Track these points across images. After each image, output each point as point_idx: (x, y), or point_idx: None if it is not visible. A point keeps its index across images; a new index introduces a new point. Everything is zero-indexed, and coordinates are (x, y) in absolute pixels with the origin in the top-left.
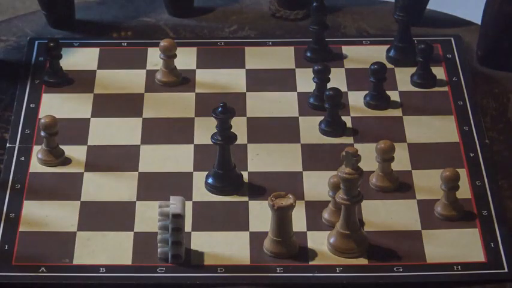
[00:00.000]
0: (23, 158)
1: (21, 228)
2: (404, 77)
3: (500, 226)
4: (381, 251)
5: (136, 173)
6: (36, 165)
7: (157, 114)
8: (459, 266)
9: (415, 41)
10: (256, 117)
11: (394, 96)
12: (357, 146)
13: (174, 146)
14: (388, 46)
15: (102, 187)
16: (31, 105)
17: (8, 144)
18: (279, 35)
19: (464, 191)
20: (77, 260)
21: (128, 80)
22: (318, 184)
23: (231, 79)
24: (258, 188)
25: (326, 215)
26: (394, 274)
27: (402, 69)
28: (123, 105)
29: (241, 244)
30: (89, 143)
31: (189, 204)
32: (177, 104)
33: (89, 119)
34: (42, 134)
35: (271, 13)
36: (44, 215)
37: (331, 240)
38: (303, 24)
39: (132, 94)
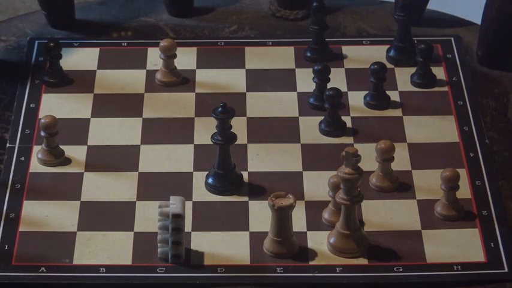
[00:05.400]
0: (23, 158)
1: (21, 228)
2: (404, 77)
3: (500, 226)
4: (381, 251)
5: (136, 173)
6: (36, 165)
7: (157, 114)
8: (459, 266)
9: (415, 41)
10: (256, 117)
11: (394, 96)
12: (357, 146)
13: (174, 146)
14: (388, 46)
15: (102, 187)
16: (31, 105)
17: (8, 144)
18: (279, 35)
19: (464, 191)
20: (77, 260)
21: (128, 80)
22: (318, 184)
23: (231, 79)
24: (258, 188)
25: (326, 215)
26: (394, 274)
27: (402, 69)
28: (123, 105)
29: (241, 244)
30: (89, 143)
31: (189, 204)
32: (177, 104)
33: (89, 119)
34: (42, 134)
35: (271, 13)
36: (44, 215)
37: (331, 240)
38: (303, 24)
39: (132, 94)
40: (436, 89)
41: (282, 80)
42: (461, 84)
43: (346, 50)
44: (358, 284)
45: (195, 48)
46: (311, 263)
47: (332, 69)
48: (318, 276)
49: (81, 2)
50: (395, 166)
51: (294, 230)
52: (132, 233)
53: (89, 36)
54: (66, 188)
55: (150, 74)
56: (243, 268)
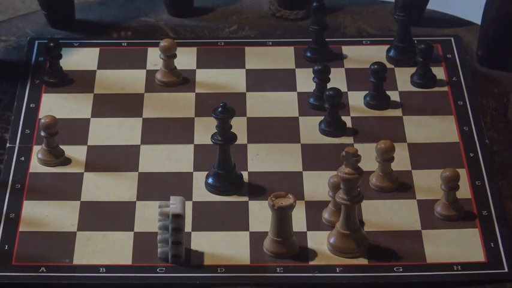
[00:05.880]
0: (23, 158)
1: (21, 228)
2: (404, 77)
3: (500, 226)
4: (381, 251)
5: (136, 173)
6: (36, 165)
7: (157, 114)
8: (459, 266)
9: (415, 41)
10: (256, 117)
11: (394, 96)
12: (357, 146)
13: (174, 146)
14: (388, 46)
15: (102, 187)
16: (31, 105)
17: (8, 144)
18: (279, 35)
19: (464, 191)
20: (77, 260)
21: (128, 80)
22: (318, 184)
23: (231, 79)
24: (258, 188)
25: (326, 215)
26: (394, 274)
27: (402, 69)
28: (123, 105)
29: (241, 244)
30: (89, 143)
31: (189, 204)
32: (177, 104)
33: (89, 119)
34: (42, 134)
35: (271, 13)
36: (44, 215)
37: (331, 240)
38: (303, 24)
39: (132, 94)
40: (436, 89)
41: (282, 80)
42: (461, 84)
43: (346, 50)
44: (358, 284)
45: (195, 48)
46: (311, 263)
47: (332, 69)
48: (318, 276)
49: (81, 2)
50: (395, 166)
51: (294, 230)
52: (132, 233)
53: (89, 36)
54: (66, 188)
55: (150, 74)
56: (243, 268)
